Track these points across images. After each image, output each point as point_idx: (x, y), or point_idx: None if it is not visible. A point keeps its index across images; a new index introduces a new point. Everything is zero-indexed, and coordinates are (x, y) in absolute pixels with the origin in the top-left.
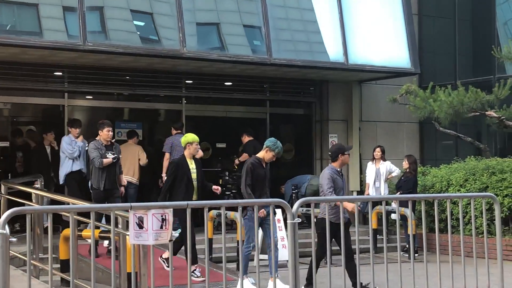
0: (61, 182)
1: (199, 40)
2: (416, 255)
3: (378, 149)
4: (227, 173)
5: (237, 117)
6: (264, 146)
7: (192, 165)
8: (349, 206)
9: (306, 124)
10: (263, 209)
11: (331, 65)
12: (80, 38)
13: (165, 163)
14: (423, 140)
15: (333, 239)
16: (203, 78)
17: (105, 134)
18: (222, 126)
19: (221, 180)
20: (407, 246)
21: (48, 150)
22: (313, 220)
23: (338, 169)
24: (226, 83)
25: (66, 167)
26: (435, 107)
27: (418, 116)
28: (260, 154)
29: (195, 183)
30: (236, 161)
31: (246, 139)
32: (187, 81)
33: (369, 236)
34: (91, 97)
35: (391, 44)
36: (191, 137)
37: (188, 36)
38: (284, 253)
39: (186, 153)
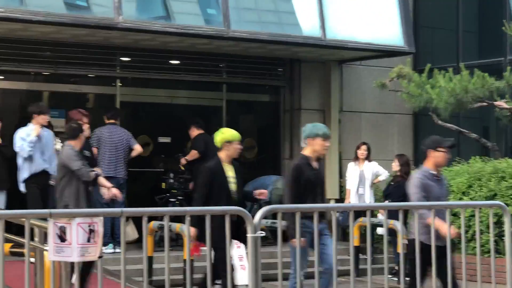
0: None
1: (138, 7)
2: (407, 279)
3: (363, 147)
4: (171, 174)
5: (185, 104)
6: (305, 137)
7: (230, 172)
8: (442, 228)
9: (272, 114)
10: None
11: (304, 40)
12: None
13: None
14: (417, 136)
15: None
16: (143, 54)
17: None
18: (166, 116)
19: (164, 184)
20: (396, 268)
21: None
22: (279, 234)
23: (433, 172)
24: (171, 62)
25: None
26: (433, 95)
27: (412, 106)
28: (307, 151)
29: (234, 197)
30: (183, 160)
31: (195, 132)
32: (122, 58)
33: (349, 255)
34: (1, 77)
35: (380, 16)
36: (229, 133)
37: (124, 2)
38: (243, 276)
39: (223, 155)
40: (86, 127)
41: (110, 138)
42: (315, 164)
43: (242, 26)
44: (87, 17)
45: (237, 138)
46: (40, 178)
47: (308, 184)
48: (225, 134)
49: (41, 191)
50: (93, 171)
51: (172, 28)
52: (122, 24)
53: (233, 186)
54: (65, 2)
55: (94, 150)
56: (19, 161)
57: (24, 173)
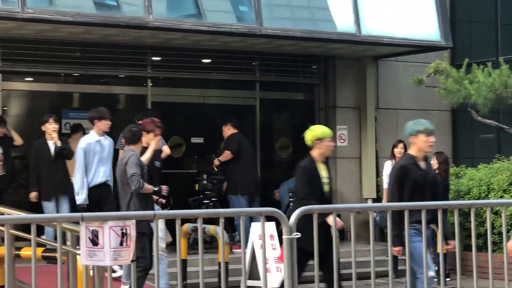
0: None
1: (169, 5)
2: (447, 279)
3: (400, 145)
4: (205, 176)
5: (217, 104)
6: (406, 135)
7: (324, 172)
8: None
9: (307, 112)
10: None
11: (339, 36)
12: (18, 3)
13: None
14: (456, 133)
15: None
16: (174, 54)
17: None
18: (199, 116)
19: (197, 185)
20: (436, 268)
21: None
22: (315, 235)
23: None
24: (203, 60)
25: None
26: (472, 91)
27: (450, 102)
28: (412, 150)
29: (327, 197)
30: (216, 161)
31: (229, 131)
32: (153, 58)
33: (387, 256)
34: (31, 78)
35: (416, 10)
36: (319, 130)
37: (155, 1)
38: (279, 278)
39: (315, 154)
40: (157, 139)
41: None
42: (422, 164)
43: (274, 23)
44: (117, 17)
45: (328, 135)
46: (99, 191)
47: (415, 186)
48: (315, 132)
49: (99, 205)
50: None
51: (203, 26)
52: (153, 23)
53: (326, 187)
54: (95, 2)
55: (121, 153)
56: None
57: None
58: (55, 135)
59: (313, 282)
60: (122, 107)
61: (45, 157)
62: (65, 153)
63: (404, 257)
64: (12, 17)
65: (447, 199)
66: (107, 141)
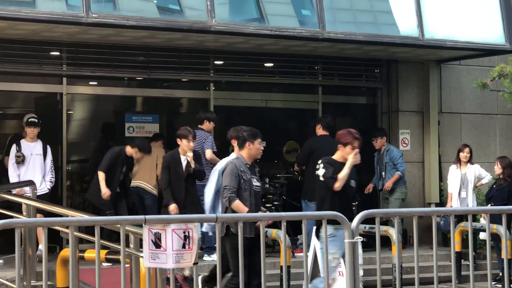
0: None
1: (231, 9)
2: None
3: (466, 150)
4: (267, 179)
5: (280, 108)
6: None
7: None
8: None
9: (370, 116)
10: None
11: (402, 40)
12: (82, 8)
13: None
14: None
15: None
16: (236, 57)
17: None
18: (261, 119)
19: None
20: (500, 274)
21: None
22: (378, 239)
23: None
24: (266, 64)
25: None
26: None
27: None
28: None
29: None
30: (296, 166)
31: (318, 132)
32: (216, 62)
33: (451, 261)
34: (95, 82)
35: (480, 14)
36: None
37: (217, 5)
38: (341, 283)
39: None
40: (355, 152)
41: (205, 141)
42: None
43: (337, 27)
44: (180, 21)
45: None
46: None
47: None
48: None
49: None
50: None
51: (266, 30)
52: (215, 27)
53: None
54: (158, 6)
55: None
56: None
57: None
58: (190, 154)
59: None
60: (184, 111)
61: (176, 174)
62: (198, 175)
63: (468, 262)
64: (77, 22)
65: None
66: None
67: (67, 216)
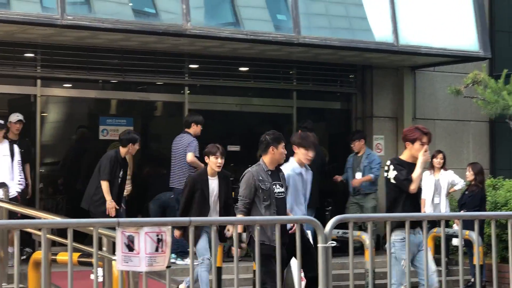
0: None
1: (207, 13)
2: None
3: (439, 156)
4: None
5: (254, 112)
6: None
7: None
8: None
9: (344, 121)
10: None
11: (377, 45)
12: (57, 10)
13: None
14: (494, 144)
15: None
16: (212, 61)
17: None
18: (235, 124)
19: (233, 193)
20: (472, 280)
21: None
22: (351, 245)
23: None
24: (241, 68)
25: None
26: (510, 102)
27: (488, 113)
28: None
29: None
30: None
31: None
32: (191, 66)
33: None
34: (70, 85)
35: (454, 21)
36: None
37: (193, 9)
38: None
39: None
40: (425, 148)
41: (173, 146)
42: None
43: (312, 32)
44: (155, 24)
45: None
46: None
47: None
48: None
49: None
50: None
51: (241, 34)
52: (191, 30)
53: None
54: (134, 9)
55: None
56: None
57: None
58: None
59: None
60: (159, 114)
61: (202, 197)
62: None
63: (440, 268)
64: (52, 24)
65: (484, 210)
66: (309, 175)
67: (39, 218)
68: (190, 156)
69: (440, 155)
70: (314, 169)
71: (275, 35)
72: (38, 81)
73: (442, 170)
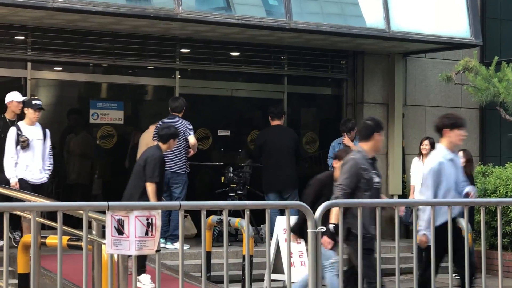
0: None
1: None
2: (472, 278)
3: (426, 142)
4: (231, 168)
5: (245, 97)
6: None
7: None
8: None
9: (334, 107)
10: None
11: (368, 31)
12: None
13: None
14: (484, 131)
15: None
16: (203, 46)
17: None
18: (226, 108)
19: (223, 178)
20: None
21: None
22: (340, 230)
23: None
24: (232, 53)
25: None
26: (501, 89)
27: (479, 100)
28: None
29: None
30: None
31: (271, 123)
32: (182, 50)
33: (412, 253)
34: (60, 68)
35: (446, 7)
36: None
37: None
38: (303, 273)
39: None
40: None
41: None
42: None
43: (304, 17)
44: (146, 8)
45: None
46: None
47: None
48: None
49: None
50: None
51: (232, 19)
52: (182, 15)
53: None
54: None
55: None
56: None
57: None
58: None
59: None
60: (149, 99)
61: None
62: None
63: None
64: (43, 6)
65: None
66: (458, 158)
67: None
68: (194, 139)
69: (427, 141)
70: (275, 154)
71: (266, 20)
72: (29, 64)
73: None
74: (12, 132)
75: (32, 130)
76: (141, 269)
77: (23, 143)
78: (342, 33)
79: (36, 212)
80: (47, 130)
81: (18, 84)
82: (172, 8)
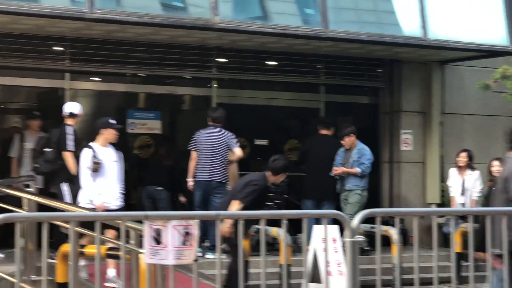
0: None
1: (235, 7)
2: None
3: (463, 154)
4: None
5: (282, 106)
6: None
7: None
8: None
9: (371, 116)
10: None
11: (405, 40)
12: (86, 4)
13: (191, 164)
14: None
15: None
16: (240, 55)
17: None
18: (263, 118)
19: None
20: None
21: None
22: (378, 239)
23: None
24: (268, 62)
25: None
26: None
27: None
28: None
29: None
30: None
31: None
32: (219, 60)
33: (451, 262)
34: (98, 78)
35: (483, 15)
36: None
37: (221, 2)
38: (340, 282)
39: None
40: None
41: (208, 141)
42: None
43: (340, 26)
44: (183, 18)
45: None
46: None
47: None
48: None
49: None
50: None
51: (269, 28)
52: (219, 24)
53: None
54: (162, 3)
55: (193, 154)
56: None
57: None
58: None
59: None
60: (186, 108)
61: None
62: None
63: (468, 263)
64: (81, 18)
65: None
66: None
67: (68, 211)
68: (240, 151)
69: (463, 154)
70: (315, 162)
71: (303, 29)
72: (67, 75)
73: (469, 170)
74: (85, 154)
75: (105, 151)
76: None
77: (96, 166)
78: (379, 41)
79: (75, 221)
80: (121, 153)
81: (56, 95)
82: (209, 18)
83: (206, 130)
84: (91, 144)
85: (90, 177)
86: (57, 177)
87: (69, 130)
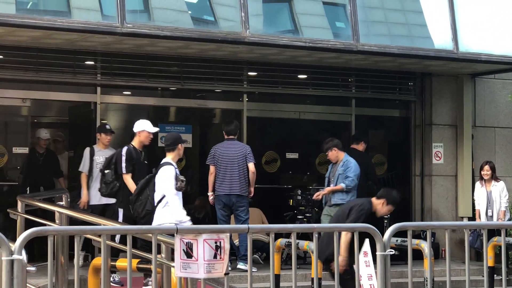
0: None
1: (265, 20)
2: None
3: (486, 167)
4: (299, 191)
5: (313, 120)
6: None
7: None
8: None
9: (403, 129)
10: None
11: (436, 53)
12: (117, 18)
13: (210, 178)
14: None
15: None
16: (270, 69)
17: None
18: (294, 131)
19: (291, 201)
20: None
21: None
22: (410, 253)
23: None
24: (299, 76)
25: None
26: None
27: None
28: None
29: None
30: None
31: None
32: (249, 73)
33: (483, 276)
34: (129, 92)
35: None
36: None
37: (251, 16)
38: None
39: None
40: None
41: (226, 155)
42: None
43: (371, 39)
44: (214, 32)
45: None
46: None
47: None
48: None
49: None
50: None
51: (300, 42)
52: (249, 38)
53: None
54: (192, 17)
55: (211, 168)
56: None
57: None
58: None
59: None
60: (217, 122)
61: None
62: None
63: (501, 277)
64: (112, 32)
65: None
66: None
67: (99, 225)
68: (254, 167)
69: (487, 167)
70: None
71: (334, 43)
72: (98, 89)
73: (493, 182)
74: (170, 172)
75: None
76: None
77: (181, 183)
78: (409, 54)
79: (106, 235)
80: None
81: (88, 109)
82: (239, 31)
83: (223, 144)
84: (170, 161)
85: (175, 195)
86: (117, 200)
87: (123, 151)
